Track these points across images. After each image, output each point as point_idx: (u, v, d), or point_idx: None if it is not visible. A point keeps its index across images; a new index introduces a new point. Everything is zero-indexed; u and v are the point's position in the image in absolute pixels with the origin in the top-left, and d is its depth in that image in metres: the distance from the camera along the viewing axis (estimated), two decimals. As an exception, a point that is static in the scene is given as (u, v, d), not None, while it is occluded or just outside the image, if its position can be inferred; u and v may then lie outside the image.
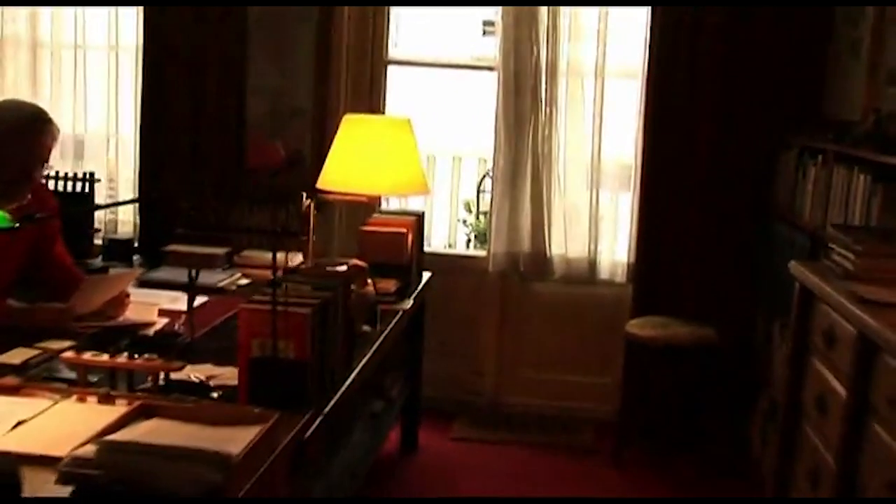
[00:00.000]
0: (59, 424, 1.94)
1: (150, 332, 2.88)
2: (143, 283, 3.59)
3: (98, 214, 4.62)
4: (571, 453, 4.32)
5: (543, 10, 4.41)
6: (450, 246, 6.16)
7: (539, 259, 4.55)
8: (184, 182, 4.45)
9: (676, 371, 4.12)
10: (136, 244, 4.38)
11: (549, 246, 4.54)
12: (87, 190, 4.20)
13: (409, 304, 3.52)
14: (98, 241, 4.23)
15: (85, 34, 4.57)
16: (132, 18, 4.50)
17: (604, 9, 4.42)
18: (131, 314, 3.07)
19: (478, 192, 6.14)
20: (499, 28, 4.48)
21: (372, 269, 3.50)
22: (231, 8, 4.45)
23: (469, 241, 6.11)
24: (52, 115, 4.53)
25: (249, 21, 4.51)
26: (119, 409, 2.02)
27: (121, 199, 4.63)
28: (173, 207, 4.26)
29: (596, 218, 4.54)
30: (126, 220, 4.66)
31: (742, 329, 4.29)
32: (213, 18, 4.45)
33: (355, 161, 3.26)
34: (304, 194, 3.39)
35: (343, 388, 2.59)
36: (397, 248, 3.58)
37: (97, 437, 1.73)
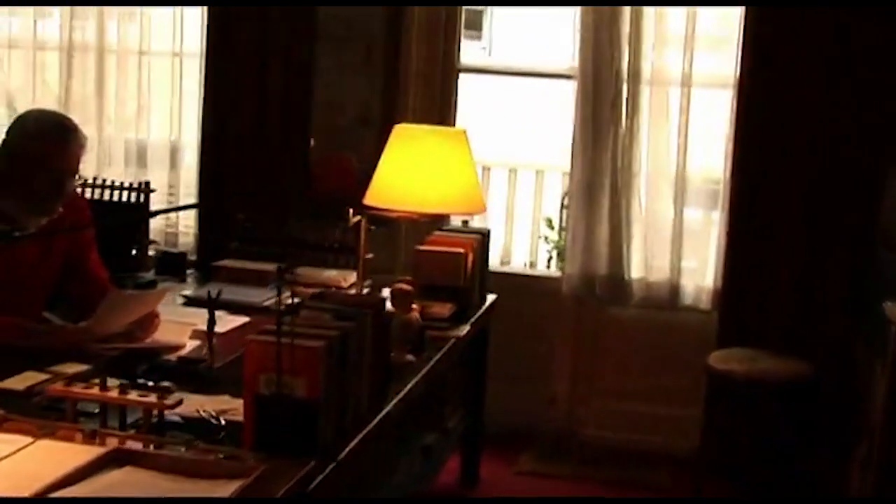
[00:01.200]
0: (23, 467, 1.73)
1: (174, 356, 2.68)
2: (189, 301, 3.42)
3: (157, 226, 4.48)
4: (645, 492, 3.98)
5: (626, 13, 4.09)
6: (531, 265, 5.87)
7: (617, 282, 4.22)
8: (244, 193, 4.27)
9: (764, 409, 3.74)
10: (194, 257, 4.22)
11: (629, 268, 4.21)
12: (141, 200, 4.06)
13: (463, 330, 3.24)
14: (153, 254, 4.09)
15: (150, 40, 4.45)
16: (197, 24, 4.35)
17: (692, 12, 4.08)
18: (161, 335, 2.88)
19: (561, 207, 5.83)
20: (577, 33, 4.18)
21: (426, 291, 3.26)
22: (298, 12, 4.26)
23: (550, 259, 5.80)
24: (115, 122, 4.52)
25: (317, 27, 4.32)
26: (98, 450, 1.80)
27: (176, 217, 4.48)
28: (231, 220, 4.08)
29: (680, 238, 4.19)
30: (186, 233, 4.50)
31: (840, 366, 3.88)
32: (279, 23, 4.27)
33: (404, 175, 3.00)
34: (351, 210, 3.15)
35: (370, 427, 2.33)
36: (454, 270, 3.32)
37: (48, 490, 1.51)
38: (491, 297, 3.76)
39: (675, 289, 4.21)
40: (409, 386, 2.67)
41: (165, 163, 4.49)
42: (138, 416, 2.04)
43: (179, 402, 2.00)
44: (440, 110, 4.36)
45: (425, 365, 2.87)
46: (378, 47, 4.35)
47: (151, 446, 1.90)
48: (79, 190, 4.15)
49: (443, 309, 3.20)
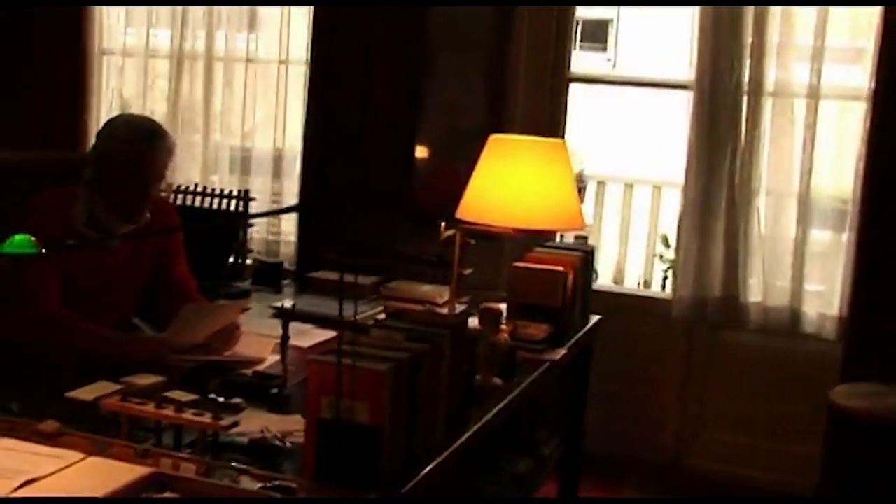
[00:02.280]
0: (66, 488, 1.65)
1: (250, 371, 2.59)
2: (279, 313, 3.34)
3: (259, 235, 4.45)
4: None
5: (748, 21, 3.84)
6: (645, 284, 5.62)
7: (731, 305, 3.96)
8: (345, 202, 4.19)
9: (890, 450, 3.42)
10: (294, 268, 4.16)
11: (745, 291, 3.94)
12: (240, 208, 4.02)
13: (559, 353, 3.05)
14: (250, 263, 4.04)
15: (257, 47, 4.43)
16: (303, 32, 4.31)
17: (821, 20, 3.79)
18: (243, 348, 2.79)
19: (679, 224, 5.56)
20: (693, 40, 3.94)
21: (522, 311, 3.09)
22: (404, 20, 4.16)
23: (665, 279, 5.54)
24: (222, 129, 4.51)
25: (423, 35, 4.21)
26: (140, 471, 1.71)
27: (282, 220, 4.44)
28: (331, 230, 4.00)
29: (802, 261, 3.90)
30: (288, 242, 4.45)
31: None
32: (385, 31, 4.18)
33: (498, 188, 2.84)
34: (443, 224, 3.01)
35: (444, 456, 2.17)
36: (552, 289, 3.13)
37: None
38: (594, 319, 3.57)
39: (795, 315, 3.92)
40: (492, 412, 2.50)
41: (269, 171, 4.45)
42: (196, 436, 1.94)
43: (234, 424, 1.89)
44: (549, 121, 4.19)
45: (514, 390, 2.70)
46: (486, 56, 4.22)
47: (203, 469, 1.79)
48: (180, 198, 4.16)
49: (538, 330, 3.03)
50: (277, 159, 4.45)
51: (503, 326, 2.72)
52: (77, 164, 2.92)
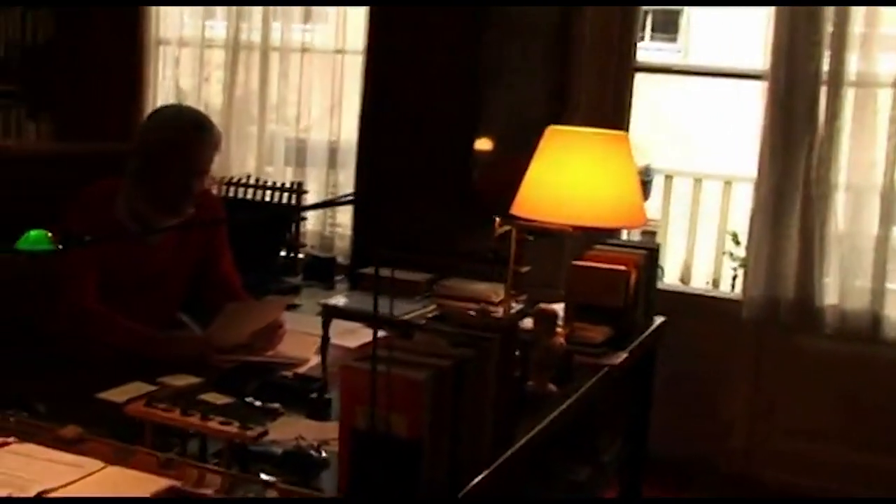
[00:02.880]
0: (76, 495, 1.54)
1: (291, 373, 2.47)
2: (327, 311, 3.22)
3: (314, 228, 4.34)
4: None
5: (828, 10, 3.61)
6: (713, 283, 5.39)
7: (806, 308, 3.73)
8: (401, 196, 4.05)
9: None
10: (348, 263, 4.04)
11: (820, 293, 3.71)
12: (293, 201, 3.92)
13: (619, 357, 2.88)
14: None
15: (313, 37, 4.32)
16: (360, 20, 4.18)
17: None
18: (287, 348, 2.68)
19: (751, 221, 5.32)
20: (769, 29, 3.73)
21: (581, 312, 2.93)
22: (465, 9, 4.01)
23: (735, 277, 5.31)
24: (277, 120, 4.42)
25: (483, 24, 4.05)
26: (158, 483, 1.60)
27: (337, 213, 4.32)
28: (385, 224, 3.88)
29: (884, 260, 3.66)
30: (343, 237, 4.34)
31: None
32: (444, 18, 4.03)
33: (556, 183, 2.68)
34: (498, 220, 2.86)
35: (492, 468, 2.03)
36: (612, 289, 2.96)
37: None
38: (659, 320, 3.38)
39: (876, 319, 3.69)
40: (546, 420, 2.35)
41: (325, 162, 4.34)
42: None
43: (263, 434, 1.77)
44: (613, 112, 4.01)
45: (569, 396, 2.54)
46: (549, 44, 4.05)
47: (227, 483, 1.67)
48: (232, 190, 4.08)
49: (597, 333, 2.86)
50: (333, 150, 4.34)
51: (559, 329, 2.56)
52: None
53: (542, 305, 2.55)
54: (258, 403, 2.22)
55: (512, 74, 4.09)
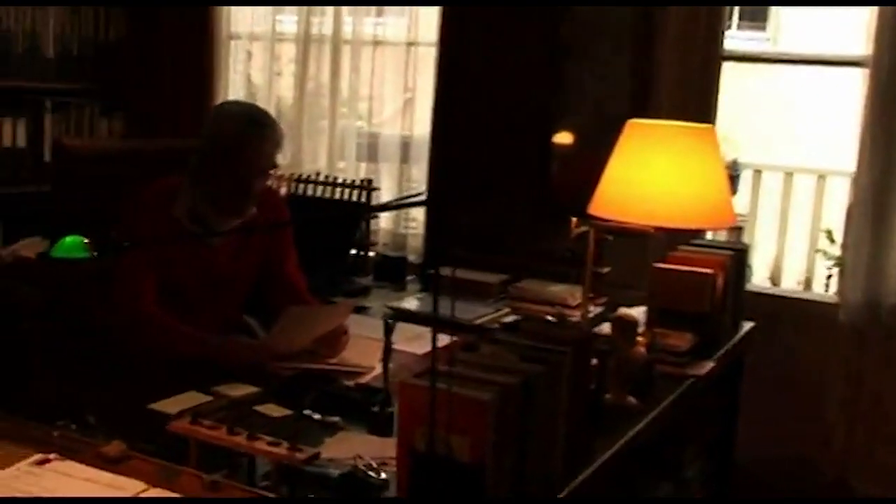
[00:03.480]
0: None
1: (353, 382, 2.34)
2: (397, 314, 3.09)
3: (387, 226, 4.22)
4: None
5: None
6: (806, 284, 5.11)
7: (910, 311, 3.47)
8: (474, 193, 3.90)
9: None
10: (420, 263, 3.91)
11: (926, 296, 3.45)
12: (363, 199, 3.80)
13: (705, 367, 2.68)
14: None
15: (385, 29, 4.19)
16: (433, 12, 4.03)
17: None
18: (351, 355, 2.55)
19: (848, 218, 5.03)
20: (872, 13, 3.47)
21: (663, 317, 2.75)
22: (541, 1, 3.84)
23: (829, 277, 5.03)
24: (348, 114, 4.29)
25: (563, 15, 3.87)
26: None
27: (410, 210, 4.18)
28: (458, 223, 3.73)
29: None
30: (418, 234, 4.20)
31: None
32: (521, 10, 3.86)
33: (636, 180, 2.49)
34: (574, 220, 2.69)
35: (566, 492, 1.87)
36: (697, 294, 2.77)
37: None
38: (747, 326, 3.17)
39: None
40: (625, 437, 2.18)
41: (397, 157, 4.20)
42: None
43: (314, 457, 1.63)
44: (698, 104, 3.78)
45: (651, 410, 2.36)
46: (632, 34, 3.84)
47: (274, 509, 1.55)
48: (301, 187, 3.97)
49: (681, 340, 2.67)
50: (406, 145, 4.20)
51: (639, 338, 2.38)
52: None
53: (622, 312, 2.38)
54: (317, 416, 2.10)
55: (592, 66, 3.90)
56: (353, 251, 3.78)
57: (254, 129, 2.54)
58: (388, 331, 2.23)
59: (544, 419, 1.77)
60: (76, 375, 2.57)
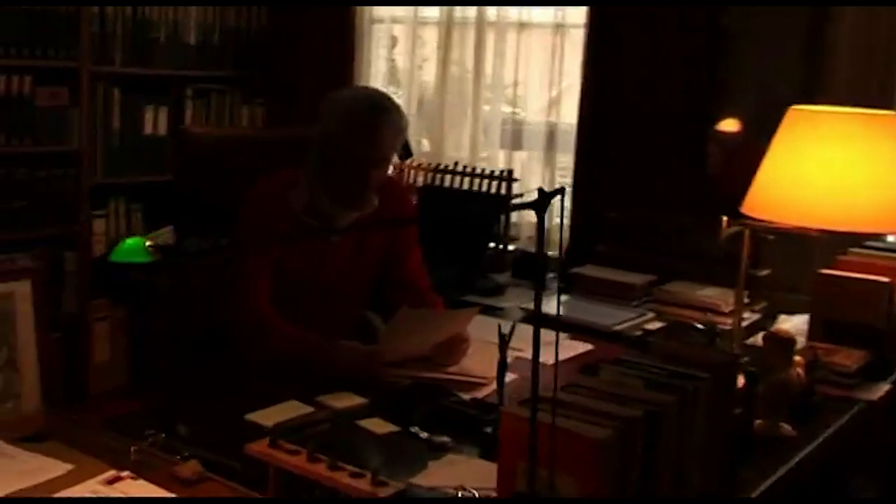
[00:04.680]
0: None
1: (470, 397, 2.12)
2: (528, 316, 2.86)
3: (529, 220, 3.97)
4: None
5: None
6: None
7: None
8: (621, 186, 3.61)
9: None
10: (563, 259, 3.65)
11: None
12: (502, 191, 3.58)
13: (879, 390, 2.33)
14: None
15: (531, 11, 3.95)
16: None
17: None
18: (473, 363, 2.33)
19: None
20: None
21: (829, 331, 2.42)
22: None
23: None
24: (493, 100, 4.07)
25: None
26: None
27: (555, 202, 3.92)
28: (602, 217, 3.47)
29: None
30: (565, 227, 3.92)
31: None
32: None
33: (798, 176, 2.16)
34: (725, 219, 2.39)
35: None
36: (871, 304, 2.42)
37: None
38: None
39: None
40: (779, 472, 1.88)
41: (542, 145, 3.95)
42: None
43: (401, 494, 1.43)
44: (879, 88, 3.36)
45: (811, 439, 2.05)
46: (804, 11, 3.46)
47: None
48: (438, 177, 3.79)
49: (849, 358, 2.33)
50: (551, 133, 3.94)
51: (797, 357, 2.07)
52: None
53: (778, 329, 2.08)
54: (424, 435, 1.90)
55: (758, 46, 3.53)
56: (492, 246, 3.57)
57: (373, 114, 2.35)
58: (503, 344, 2.00)
59: (674, 457, 1.51)
60: (182, 378, 2.48)
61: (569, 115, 3.86)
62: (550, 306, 3.00)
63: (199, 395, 2.22)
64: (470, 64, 4.11)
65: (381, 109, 2.37)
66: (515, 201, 3.55)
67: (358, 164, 2.35)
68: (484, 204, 3.59)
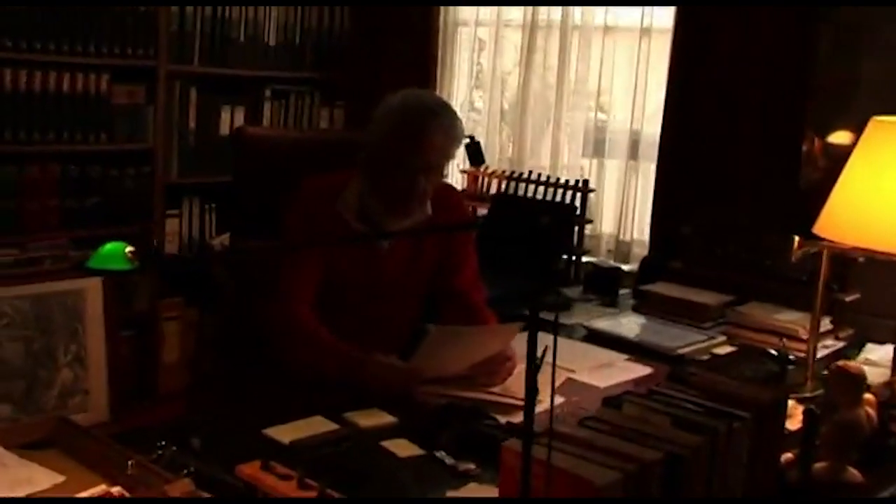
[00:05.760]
0: None
1: (506, 420, 1.99)
2: (590, 335, 2.70)
3: (610, 230, 3.81)
4: None
5: None
6: None
7: None
8: (706, 201, 3.41)
9: None
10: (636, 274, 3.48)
11: None
12: (577, 200, 3.43)
13: (967, 433, 2.10)
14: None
15: (617, 14, 3.78)
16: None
17: None
18: (518, 384, 2.19)
19: None
20: None
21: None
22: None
23: None
24: (576, 106, 3.92)
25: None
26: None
27: (635, 213, 3.74)
28: (678, 232, 3.28)
29: None
30: (642, 242, 3.74)
31: None
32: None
33: (879, 194, 1.96)
34: (798, 240, 2.19)
35: None
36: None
37: None
38: None
39: None
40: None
41: (625, 154, 3.77)
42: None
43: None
44: None
45: (883, 488, 1.84)
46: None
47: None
48: (512, 186, 3.66)
49: (935, 396, 2.11)
50: (635, 141, 3.76)
51: (867, 395, 1.87)
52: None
53: (845, 363, 1.87)
54: (449, 461, 1.78)
55: (854, 49, 3.29)
56: (565, 258, 3.43)
57: (422, 118, 2.24)
58: (533, 362, 1.85)
59: (707, 496, 1.36)
60: (225, 384, 2.42)
61: (653, 122, 3.68)
62: (606, 323, 2.86)
63: (226, 402, 2.15)
64: (554, 68, 3.96)
65: (431, 114, 2.26)
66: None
67: (405, 170, 2.25)
68: (557, 214, 3.44)
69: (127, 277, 3.77)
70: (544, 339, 2.49)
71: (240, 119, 4.01)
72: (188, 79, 3.86)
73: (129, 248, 1.25)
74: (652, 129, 3.67)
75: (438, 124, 2.26)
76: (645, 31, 3.70)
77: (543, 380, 2.24)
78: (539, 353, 1.88)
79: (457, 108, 4.18)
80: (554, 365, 1.18)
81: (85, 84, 3.54)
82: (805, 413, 1.75)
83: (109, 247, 1.25)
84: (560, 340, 2.62)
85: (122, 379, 3.59)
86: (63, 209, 3.58)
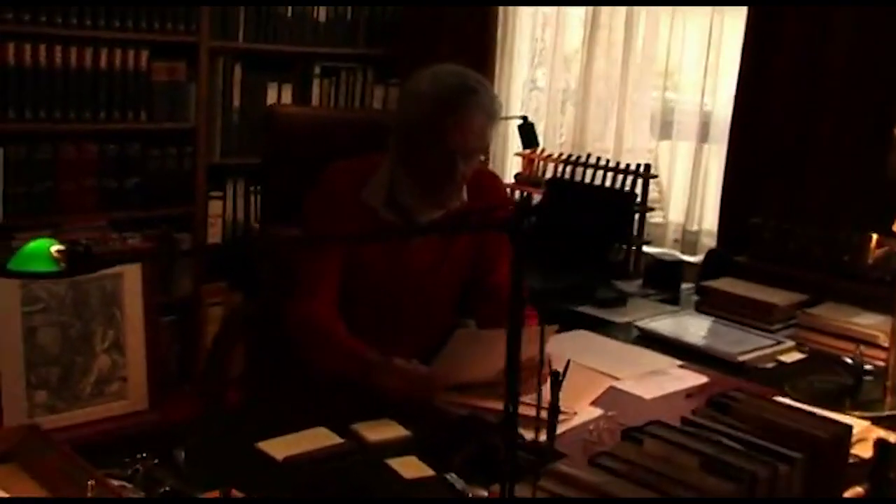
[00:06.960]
0: None
1: (530, 435, 1.77)
2: (643, 336, 2.46)
3: (677, 220, 3.54)
4: None
5: None
6: None
7: None
8: (779, 191, 3.12)
9: None
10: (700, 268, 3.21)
11: None
12: (637, 187, 3.17)
13: None
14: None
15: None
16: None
17: None
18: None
19: None
20: None
21: None
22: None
23: None
24: (641, 86, 3.65)
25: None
26: None
27: (706, 203, 3.46)
28: (748, 224, 2.99)
29: None
30: (710, 233, 3.46)
31: None
32: None
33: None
34: (876, 236, 1.92)
35: None
36: None
37: None
38: None
39: None
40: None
41: (694, 136, 3.49)
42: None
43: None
44: None
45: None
46: None
47: None
48: (568, 170, 3.43)
49: None
50: (705, 123, 3.48)
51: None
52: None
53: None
54: (459, 485, 1.57)
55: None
56: (624, 248, 3.18)
57: (458, 97, 2.02)
58: (556, 381, 1.63)
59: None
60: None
61: (725, 102, 3.39)
62: (676, 325, 2.60)
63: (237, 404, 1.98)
64: (618, 47, 3.70)
65: (467, 91, 2.04)
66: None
67: (441, 153, 2.03)
68: (616, 201, 3.19)
69: (168, 263, 3.66)
70: (581, 339, 2.30)
71: (287, 98, 3.84)
72: (232, 55, 3.70)
73: (55, 248, 1.07)
74: (724, 111, 3.39)
75: (475, 102, 2.04)
76: (716, 5, 3.41)
77: (583, 384, 2.05)
78: (564, 365, 1.69)
79: (518, 87, 4.05)
80: (541, 368, 0.97)
81: (123, 60, 3.41)
82: (877, 444, 1.50)
83: (33, 245, 1.07)
84: (608, 342, 2.41)
85: (163, 365, 3.47)
86: (101, 190, 3.46)
